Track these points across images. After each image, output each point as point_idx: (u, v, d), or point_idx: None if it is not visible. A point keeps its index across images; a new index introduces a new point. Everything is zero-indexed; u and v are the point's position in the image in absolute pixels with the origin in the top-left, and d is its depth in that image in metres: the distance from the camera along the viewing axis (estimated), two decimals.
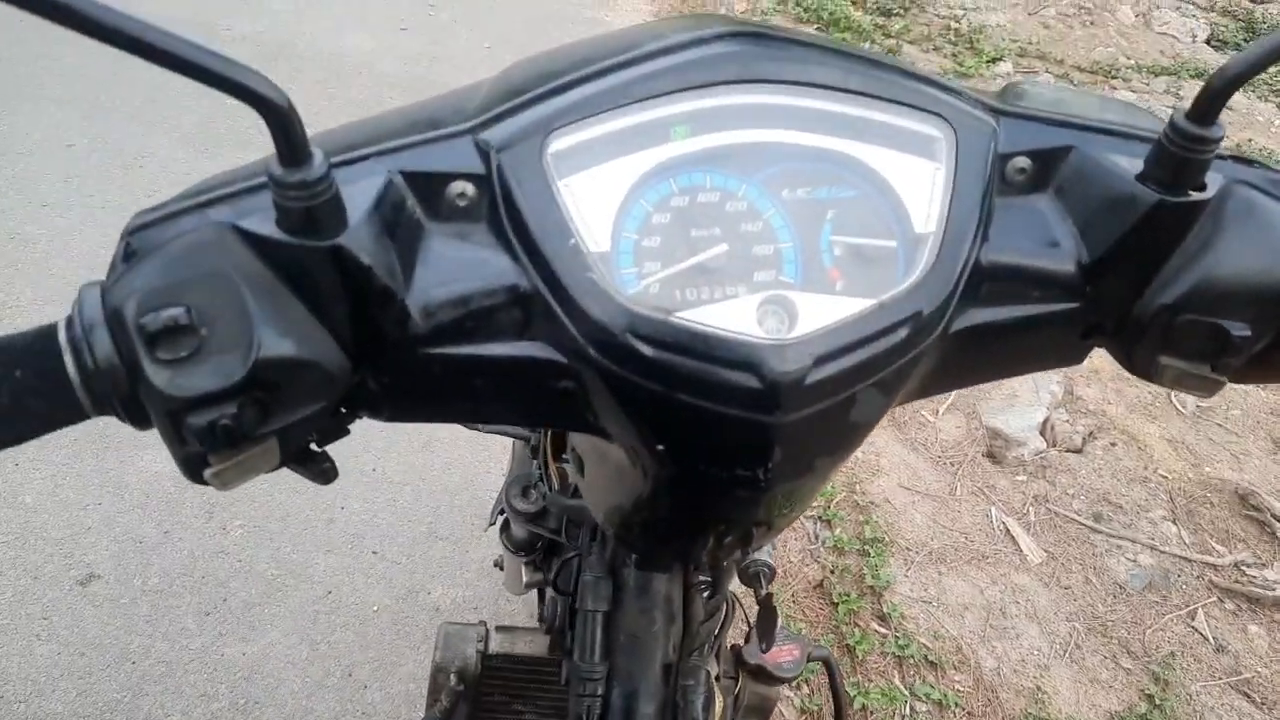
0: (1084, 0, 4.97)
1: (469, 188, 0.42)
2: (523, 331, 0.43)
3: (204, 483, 0.39)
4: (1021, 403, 2.45)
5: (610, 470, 0.55)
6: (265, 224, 0.38)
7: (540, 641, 1.05)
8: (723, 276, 0.41)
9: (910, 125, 0.45)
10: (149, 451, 2.03)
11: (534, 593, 1.32)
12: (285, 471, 0.44)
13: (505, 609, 1.84)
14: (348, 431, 0.46)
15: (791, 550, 2.04)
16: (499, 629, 1.07)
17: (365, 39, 3.92)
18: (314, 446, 0.45)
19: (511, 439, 1.29)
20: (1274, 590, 2.00)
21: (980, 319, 0.46)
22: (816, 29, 4.24)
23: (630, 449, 0.46)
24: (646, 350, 0.39)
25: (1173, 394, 2.55)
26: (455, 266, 0.42)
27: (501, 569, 1.49)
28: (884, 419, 0.48)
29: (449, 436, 2.19)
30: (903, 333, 0.41)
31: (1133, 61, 4.44)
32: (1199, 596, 2.01)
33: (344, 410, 0.45)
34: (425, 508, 2.04)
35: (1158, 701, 1.79)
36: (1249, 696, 1.83)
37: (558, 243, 0.40)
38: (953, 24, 4.59)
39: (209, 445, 0.36)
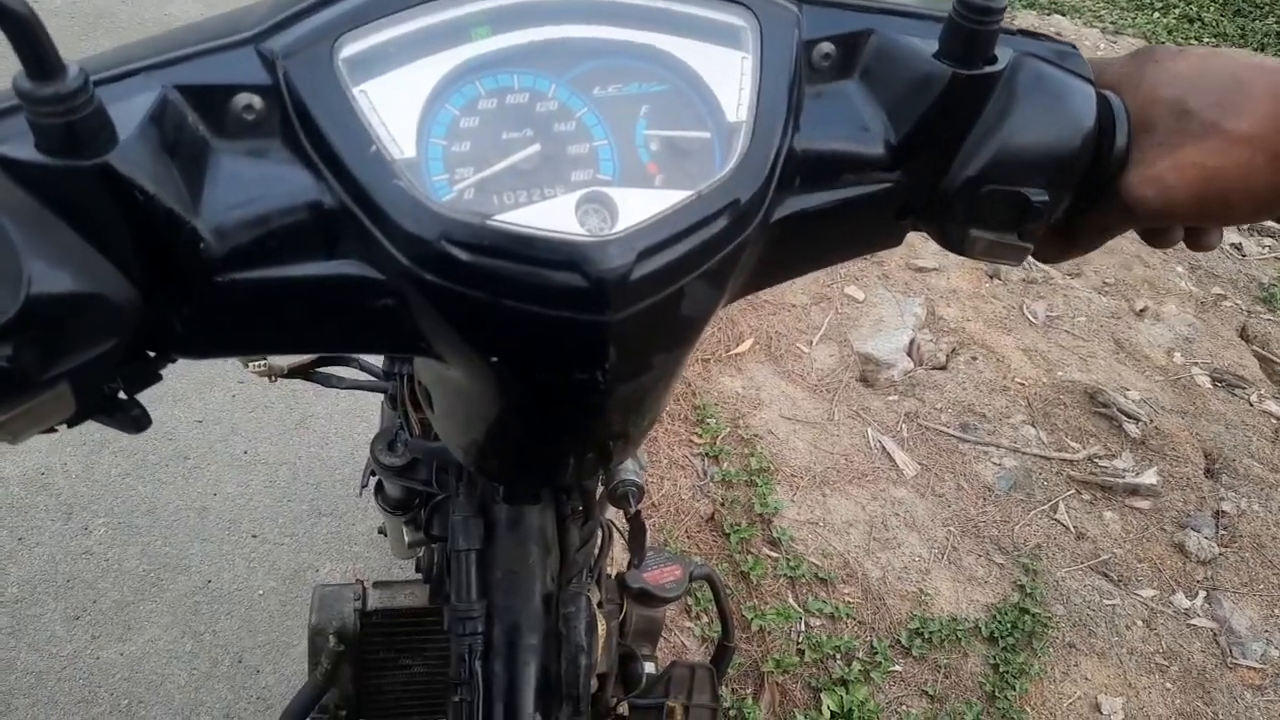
0: None
1: (255, 100, 0.39)
2: (332, 250, 0.41)
3: None
4: (888, 327, 2.55)
5: (455, 398, 0.54)
6: (23, 147, 0.35)
7: (420, 593, 1.03)
8: (539, 178, 0.40)
9: (715, 16, 0.45)
10: None
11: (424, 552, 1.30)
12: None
13: (398, 575, 1.80)
14: (159, 377, 0.44)
15: (682, 488, 2.07)
16: (376, 584, 1.04)
17: (193, 5, 3.68)
18: (121, 394, 0.42)
19: (380, 398, 1.26)
20: (1123, 478, 2.16)
21: (798, 206, 0.47)
22: None
23: (465, 367, 0.45)
24: (466, 257, 0.38)
25: (1024, 306, 2.70)
26: (249, 185, 0.39)
27: (386, 535, 1.46)
28: (750, 351, 0.48)
29: (324, 412, 2.12)
30: (723, 222, 0.41)
31: None
32: (1059, 491, 2.15)
33: (151, 354, 0.42)
34: (305, 485, 1.97)
35: (1028, 590, 1.91)
36: (1108, 576, 1.99)
37: (359, 152, 0.38)
38: None
39: None
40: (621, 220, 0.40)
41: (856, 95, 0.48)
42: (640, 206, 0.40)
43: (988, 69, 0.45)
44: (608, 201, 0.40)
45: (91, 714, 1.56)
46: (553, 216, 0.39)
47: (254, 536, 1.86)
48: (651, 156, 0.42)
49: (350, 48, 0.39)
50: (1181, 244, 0.53)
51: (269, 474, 1.99)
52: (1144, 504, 2.13)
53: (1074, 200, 0.50)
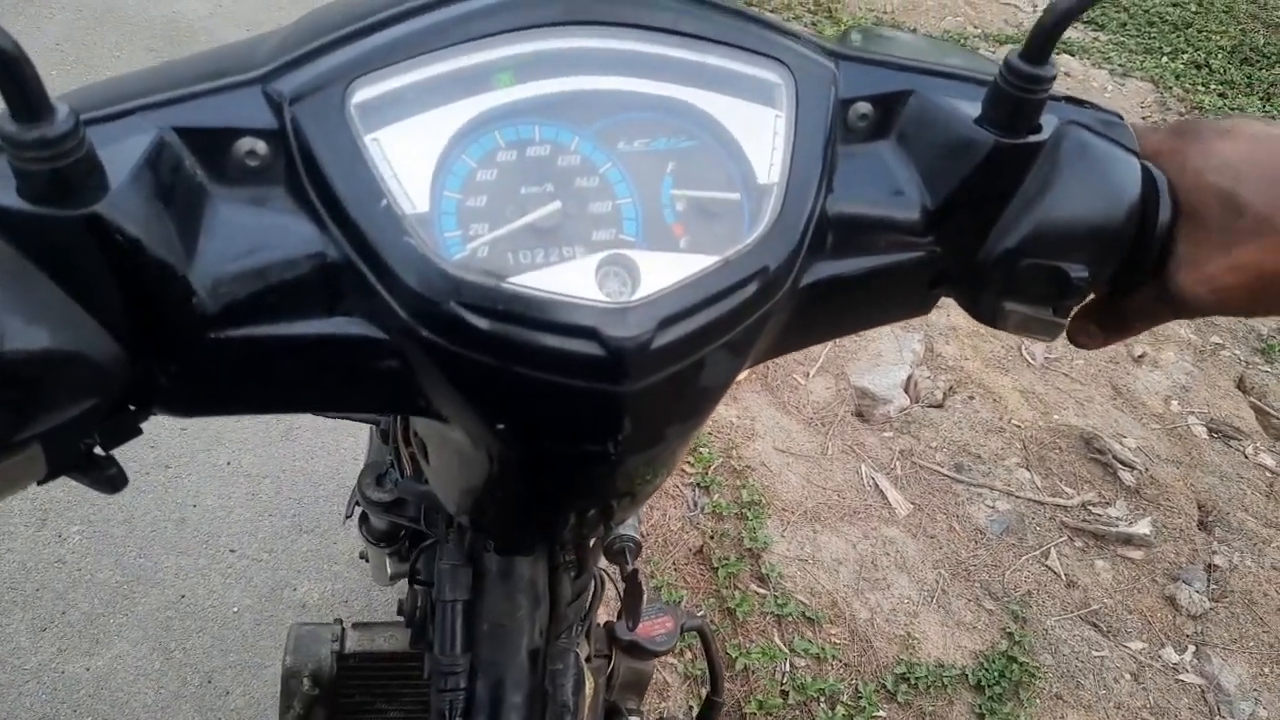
0: None
1: (259, 145, 0.36)
2: (333, 306, 0.38)
3: None
4: (886, 362, 2.52)
5: (454, 455, 0.51)
6: (6, 194, 0.32)
7: (401, 636, 1.00)
8: (558, 237, 0.38)
9: (749, 71, 0.42)
10: None
11: (405, 583, 1.26)
12: (127, 469, 0.39)
13: (379, 599, 1.77)
14: (139, 432, 0.40)
15: (671, 518, 2.04)
16: (355, 626, 1.00)
17: (199, 3, 3.66)
18: (98, 450, 0.39)
19: (368, 425, 1.22)
20: (1117, 527, 2.13)
21: (828, 272, 0.44)
22: None
23: (469, 430, 0.43)
24: (476, 320, 0.35)
25: (1023, 347, 2.68)
26: (248, 235, 0.36)
27: (367, 561, 1.42)
28: (746, 380, 0.46)
29: (310, 424, 2.08)
30: (750, 289, 0.39)
31: (980, 30, 4.63)
32: (1051, 537, 2.13)
33: (132, 408, 0.39)
34: (287, 500, 1.93)
35: (1017, 638, 1.88)
36: (1097, 626, 1.96)
37: (368, 205, 0.36)
38: None
39: None
40: (643, 285, 0.37)
41: (892, 158, 0.46)
42: (664, 271, 0.38)
43: (1032, 138, 0.43)
44: (630, 265, 0.38)
45: None
46: (571, 279, 0.37)
47: (232, 551, 1.82)
48: (677, 217, 0.40)
49: (364, 93, 0.37)
50: None
51: (251, 486, 1.95)
52: (1136, 554, 2.11)
53: (1115, 282, 0.48)
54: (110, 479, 0.40)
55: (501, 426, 0.40)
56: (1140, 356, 2.71)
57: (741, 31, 0.42)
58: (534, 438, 0.41)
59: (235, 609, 1.73)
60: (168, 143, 0.35)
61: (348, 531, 1.88)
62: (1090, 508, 2.20)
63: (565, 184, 0.39)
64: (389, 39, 0.38)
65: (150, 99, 0.36)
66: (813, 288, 0.44)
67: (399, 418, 0.88)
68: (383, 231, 0.35)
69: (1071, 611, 1.98)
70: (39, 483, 0.36)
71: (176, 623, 1.69)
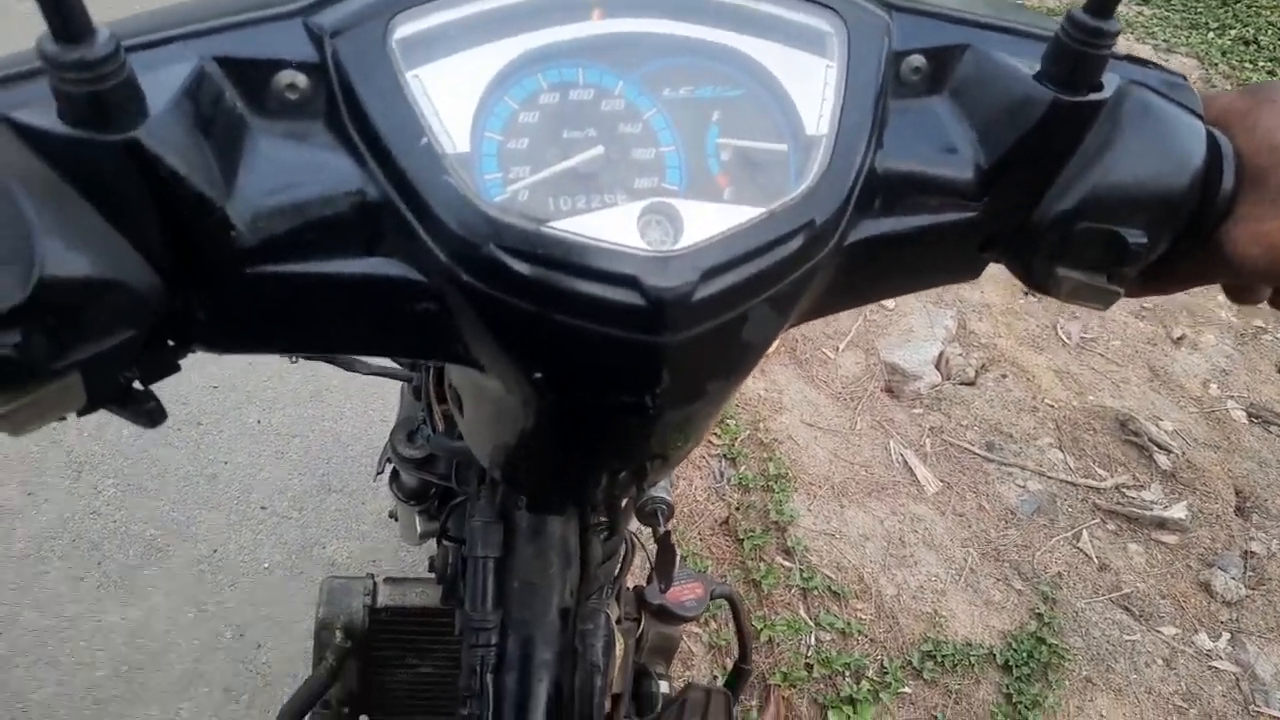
0: None
1: (300, 78, 0.36)
2: (371, 246, 0.37)
3: None
4: (917, 338, 2.49)
5: (489, 406, 0.50)
6: (45, 115, 0.31)
7: (432, 592, 1.01)
8: (600, 183, 0.37)
9: (800, 18, 0.41)
10: None
11: (434, 542, 1.27)
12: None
13: (407, 560, 1.78)
14: (177, 368, 0.40)
15: (697, 489, 2.03)
16: (387, 580, 1.01)
17: None
18: (136, 384, 0.39)
19: (400, 382, 1.23)
20: (1151, 510, 2.11)
21: (876, 230, 0.43)
22: None
23: (505, 379, 0.42)
24: (515, 264, 0.34)
25: (1058, 326, 2.64)
26: (287, 170, 0.36)
27: (397, 520, 1.43)
28: (775, 353, 0.45)
29: (340, 385, 2.09)
30: (796, 244, 0.37)
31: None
32: (1084, 519, 2.10)
33: (170, 342, 0.39)
34: (316, 459, 1.95)
35: (1046, 619, 1.86)
36: (1129, 610, 1.94)
37: (408, 142, 0.35)
38: None
39: None
40: (686, 235, 0.36)
41: (945, 114, 0.44)
42: (707, 221, 0.36)
43: (1093, 96, 0.41)
44: (672, 214, 0.37)
45: (91, 678, 1.55)
46: (612, 226, 0.36)
47: (263, 508, 1.84)
48: (722, 167, 0.39)
49: (406, 28, 0.36)
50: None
51: (281, 445, 1.96)
52: (1171, 539, 2.08)
53: (1170, 244, 0.46)
54: (149, 412, 0.39)
55: (538, 375, 0.39)
56: (1179, 339, 2.66)
57: None
58: (571, 388, 0.40)
59: (266, 565, 1.75)
60: (208, 73, 0.35)
61: (375, 492, 1.89)
62: (1124, 490, 2.17)
63: (608, 129, 0.38)
64: None
65: (191, 27, 0.35)
66: (859, 246, 0.43)
67: (432, 373, 0.88)
68: (422, 170, 0.35)
69: (1103, 594, 1.96)
70: (79, 413, 0.36)
71: (209, 576, 1.71)
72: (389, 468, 1.14)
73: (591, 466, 0.50)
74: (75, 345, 0.32)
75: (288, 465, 1.93)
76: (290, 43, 0.36)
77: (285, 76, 0.36)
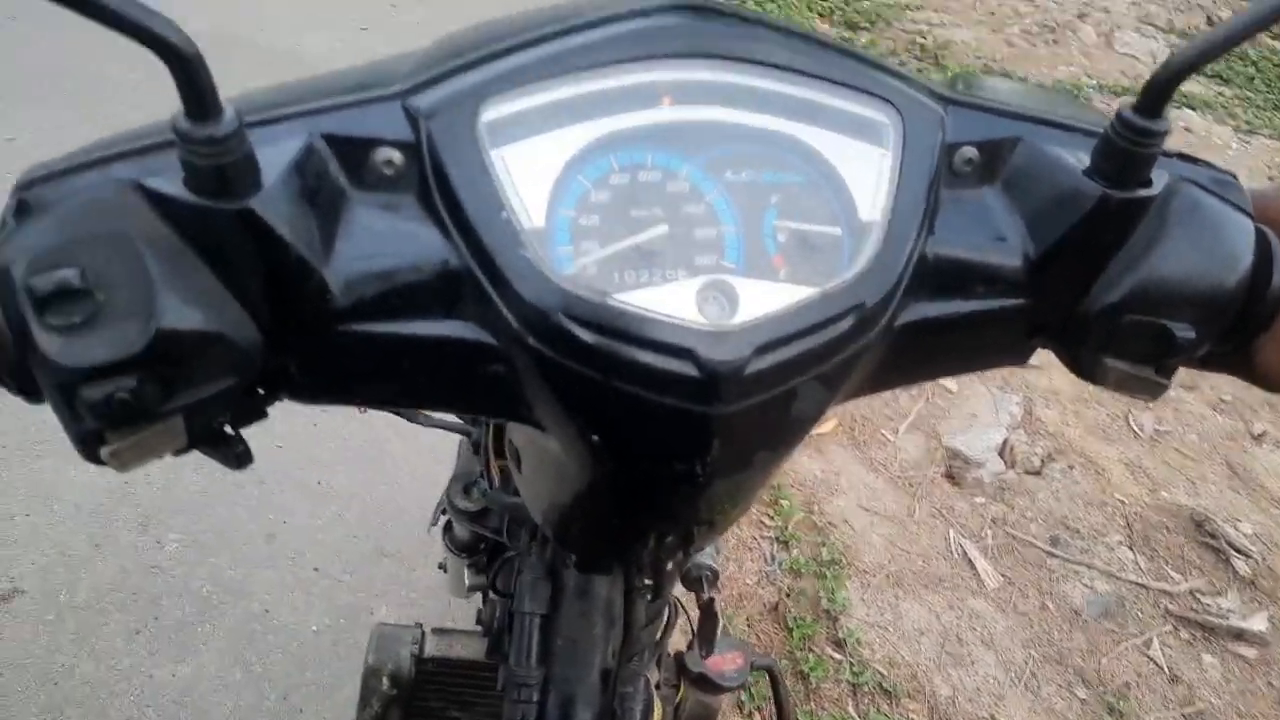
0: (1048, 20, 5.02)
1: (396, 155, 0.39)
2: (451, 310, 0.40)
3: (101, 462, 0.36)
4: (981, 423, 2.44)
5: (547, 466, 0.53)
6: (172, 183, 0.35)
7: (478, 645, 1.02)
8: (663, 259, 0.39)
9: (858, 110, 0.43)
10: (81, 465, 1.95)
11: (480, 598, 1.28)
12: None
13: (455, 624, 1.78)
14: (265, 414, 0.44)
15: (747, 572, 2.00)
16: (435, 631, 1.04)
17: (325, 37, 3.84)
18: (227, 429, 0.42)
19: (458, 438, 1.26)
20: (1228, 619, 2.00)
21: (925, 313, 0.45)
22: None
23: (565, 441, 0.44)
24: (581, 333, 0.37)
25: (1130, 416, 2.55)
26: (380, 239, 0.39)
27: (445, 571, 1.45)
28: (831, 432, 0.46)
29: (400, 449, 2.12)
30: (846, 324, 0.39)
31: (1095, 81, 4.48)
32: (1154, 624, 2.00)
33: (261, 391, 0.42)
34: (373, 523, 1.98)
35: None
36: None
37: (490, 217, 0.38)
38: (919, 39, 4.60)
39: (105, 421, 0.34)
40: (742, 312, 0.39)
41: (996, 204, 0.46)
42: (762, 299, 0.39)
43: (1141, 192, 0.43)
44: (729, 291, 0.39)
45: None
46: (673, 300, 0.38)
47: (316, 570, 1.87)
48: (778, 248, 0.41)
49: (493, 111, 0.39)
50: None
51: (340, 506, 2.00)
52: (1249, 652, 1.96)
53: (1219, 338, 0.47)
54: (239, 455, 0.43)
55: (596, 438, 0.42)
56: (1260, 435, 2.55)
57: (853, 71, 0.43)
58: (626, 452, 0.42)
59: (315, 628, 1.77)
60: (316, 148, 0.38)
61: (427, 559, 1.90)
62: (1199, 596, 2.06)
63: (673, 209, 0.41)
64: (518, 63, 0.40)
65: (303, 107, 0.39)
66: (909, 328, 0.44)
67: (492, 429, 0.91)
68: (501, 242, 0.38)
69: (1174, 709, 1.85)
70: (175, 453, 0.39)
71: (259, 637, 1.74)
72: (443, 519, 1.17)
73: (641, 529, 0.52)
74: (182, 391, 0.36)
75: (344, 527, 1.96)
76: (389, 122, 0.39)
77: (383, 153, 0.39)
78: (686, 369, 0.37)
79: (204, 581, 1.81)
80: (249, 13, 3.92)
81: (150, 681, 1.65)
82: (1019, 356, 0.51)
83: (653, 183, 0.41)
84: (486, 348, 0.40)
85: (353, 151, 0.39)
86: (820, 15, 4.77)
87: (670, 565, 0.75)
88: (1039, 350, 0.51)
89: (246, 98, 0.40)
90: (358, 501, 2.01)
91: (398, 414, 1.12)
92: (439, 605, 1.83)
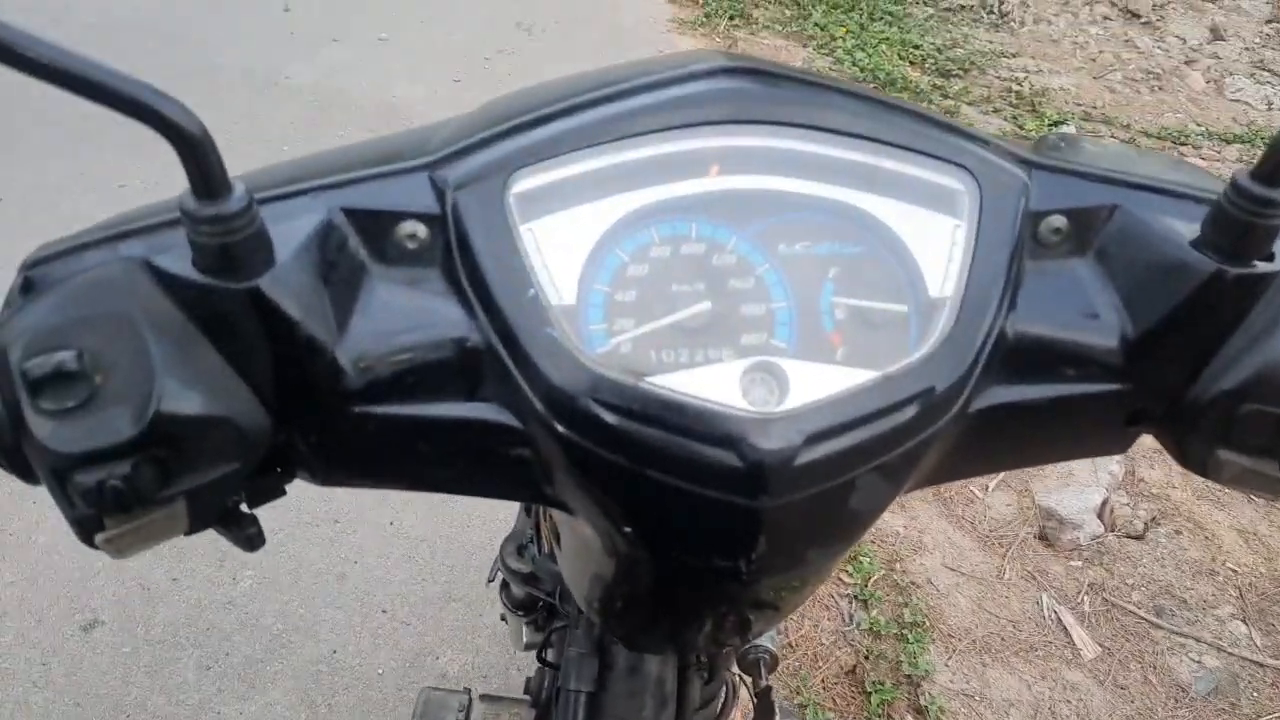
0: (1152, 65, 4.85)
1: (420, 229, 0.37)
2: (472, 391, 0.38)
3: (96, 548, 0.35)
4: (1078, 482, 2.30)
5: (584, 546, 0.49)
6: (179, 262, 0.34)
7: (525, 715, 0.99)
8: (705, 338, 0.36)
9: (928, 176, 0.39)
10: None
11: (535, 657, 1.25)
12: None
13: (515, 681, 1.74)
14: (283, 492, 0.42)
15: (823, 631, 1.91)
16: (483, 698, 1.01)
17: (420, 89, 3.98)
18: (243, 507, 0.40)
19: None
20: None
21: (1006, 398, 0.40)
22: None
23: (596, 528, 0.41)
24: (611, 419, 0.34)
25: None
26: (398, 315, 0.37)
27: (507, 623, 1.43)
28: (911, 497, 0.41)
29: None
30: (911, 411, 0.36)
31: (1203, 128, 4.29)
32: (1271, 706, 1.83)
33: (278, 470, 0.41)
34: (442, 566, 1.97)
35: None
36: None
37: (515, 293, 0.36)
38: (1014, 86, 4.49)
39: (99, 507, 0.32)
40: (792, 396, 0.35)
41: (1088, 277, 0.41)
42: (815, 382, 0.35)
43: (1261, 267, 0.38)
44: (778, 373, 0.36)
45: None
46: (714, 384, 0.35)
47: (384, 611, 1.87)
48: (836, 326, 0.37)
49: (524, 183, 0.37)
50: None
51: (410, 549, 2.00)
52: None
53: None
54: (249, 538, 0.41)
55: (629, 529, 0.39)
56: None
57: (923, 134, 0.40)
58: (662, 545, 0.39)
59: (380, 670, 1.76)
60: (335, 223, 0.37)
61: (493, 605, 1.88)
62: None
63: (718, 284, 0.38)
64: (552, 133, 0.38)
65: (322, 180, 0.38)
66: (986, 413, 0.40)
67: None
68: (527, 320, 0.36)
69: None
70: (183, 534, 0.38)
71: (326, 677, 1.73)
72: (500, 577, 1.15)
73: (685, 617, 0.49)
74: (182, 476, 0.34)
75: (414, 569, 1.96)
76: (414, 195, 0.38)
77: (407, 227, 0.38)
78: (729, 459, 0.34)
79: (275, 619, 1.82)
80: (347, 67, 4.09)
81: (218, 718, 1.65)
82: (1117, 445, 0.46)
83: (696, 255, 0.38)
84: (511, 431, 0.38)
85: (375, 225, 0.38)
86: (911, 63, 4.72)
87: (726, 648, 0.71)
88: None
89: (263, 172, 0.39)
90: (427, 544, 2.01)
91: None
92: (503, 653, 1.80)
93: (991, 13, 5.35)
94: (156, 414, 0.32)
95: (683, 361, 0.36)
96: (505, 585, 1.10)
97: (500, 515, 2.07)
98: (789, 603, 0.48)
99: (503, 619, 1.52)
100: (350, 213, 0.37)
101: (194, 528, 0.37)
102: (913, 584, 2.03)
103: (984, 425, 0.40)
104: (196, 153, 0.31)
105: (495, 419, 0.38)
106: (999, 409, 0.40)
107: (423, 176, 0.38)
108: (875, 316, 0.38)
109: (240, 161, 0.36)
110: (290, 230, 0.35)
